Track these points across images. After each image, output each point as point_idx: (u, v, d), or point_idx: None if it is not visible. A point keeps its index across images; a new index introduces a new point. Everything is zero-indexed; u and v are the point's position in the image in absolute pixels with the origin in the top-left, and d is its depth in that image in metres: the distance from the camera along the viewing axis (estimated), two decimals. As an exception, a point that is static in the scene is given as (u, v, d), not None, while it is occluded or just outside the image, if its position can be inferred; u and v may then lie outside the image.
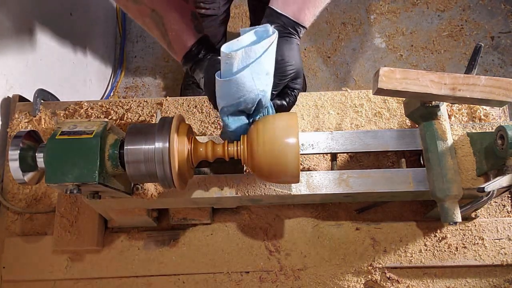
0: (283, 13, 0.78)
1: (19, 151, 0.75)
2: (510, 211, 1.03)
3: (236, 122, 0.77)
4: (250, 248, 1.01)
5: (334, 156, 0.96)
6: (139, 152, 0.75)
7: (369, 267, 0.99)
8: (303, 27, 0.80)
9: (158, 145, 0.74)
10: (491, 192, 0.84)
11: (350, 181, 0.90)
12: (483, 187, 0.81)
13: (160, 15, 0.82)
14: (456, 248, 0.99)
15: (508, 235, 0.99)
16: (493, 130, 0.91)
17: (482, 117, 1.06)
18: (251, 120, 0.79)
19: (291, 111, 0.83)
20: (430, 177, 0.88)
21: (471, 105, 1.08)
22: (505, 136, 0.81)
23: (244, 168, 0.93)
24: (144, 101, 1.14)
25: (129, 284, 1.00)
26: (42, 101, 1.16)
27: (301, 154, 0.86)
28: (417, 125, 0.95)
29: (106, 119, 1.12)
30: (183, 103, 1.14)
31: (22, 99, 1.18)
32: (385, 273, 0.99)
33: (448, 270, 1.00)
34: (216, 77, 0.71)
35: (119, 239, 1.02)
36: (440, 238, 0.99)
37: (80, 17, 1.73)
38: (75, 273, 1.00)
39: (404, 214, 1.05)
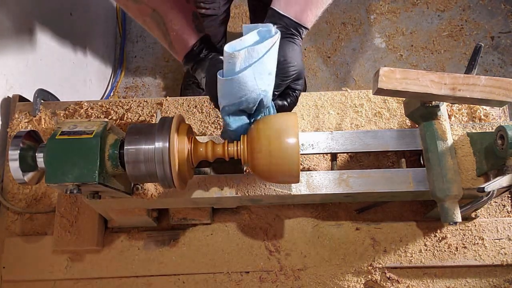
0: (285, 14, 0.78)
1: (19, 151, 0.75)
2: (510, 211, 1.03)
3: (237, 122, 0.77)
4: (250, 248, 1.01)
5: (334, 156, 0.96)
6: (139, 152, 0.75)
7: (369, 267, 0.99)
8: (305, 28, 0.80)
9: (158, 145, 0.74)
10: (491, 192, 0.84)
11: (350, 181, 0.90)
12: (483, 187, 0.81)
13: (161, 14, 0.82)
14: (456, 248, 0.99)
15: (508, 235, 0.99)
16: (493, 130, 0.91)
17: (482, 117, 1.06)
18: (252, 120, 0.79)
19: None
20: (430, 177, 0.88)
21: (471, 105, 1.08)
22: (505, 136, 0.81)
23: (244, 168, 0.93)
24: (144, 101, 1.14)
25: (129, 284, 1.00)
26: (42, 101, 1.16)
27: (301, 154, 0.86)
28: (417, 125, 0.95)
29: (106, 119, 1.12)
30: (183, 103, 1.14)
31: (22, 99, 1.18)
32: (385, 273, 0.99)
33: (448, 270, 1.00)
34: (218, 76, 0.71)
35: (119, 239, 1.02)
36: (440, 238, 0.99)
37: (80, 17, 1.73)
38: (75, 273, 1.00)
39: (404, 214, 1.05)
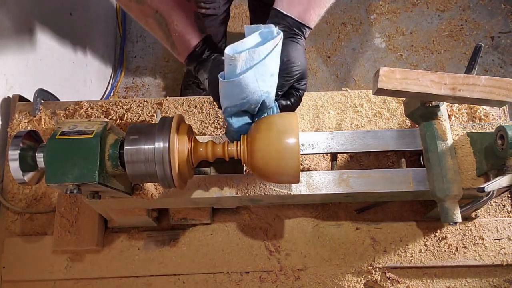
0: (288, 14, 0.77)
1: (19, 151, 0.75)
2: (510, 211, 1.03)
3: (239, 122, 0.77)
4: (250, 248, 1.01)
5: (334, 156, 0.96)
6: (139, 152, 0.75)
7: (369, 267, 0.99)
8: (308, 27, 0.80)
9: (158, 145, 0.74)
10: (491, 192, 0.84)
11: (350, 181, 0.90)
12: (483, 187, 0.81)
13: (163, 15, 0.82)
14: (456, 248, 0.99)
15: (508, 235, 0.99)
16: (493, 130, 0.91)
17: (482, 117, 1.06)
18: (255, 120, 0.79)
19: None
20: (430, 177, 0.88)
21: (471, 105, 1.08)
22: (505, 136, 0.81)
23: (244, 168, 0.93)
24: (144, 101, 1.14)
25: (129, 284, 1.00)
26: (42, 101, 1.16)
27: (301, 154, 0.86)
28: (417, 125, 0.95)
29: (106, 119, 1.12)
30: (183, 103, 1.14)
31: (22, 99, 1.18)
32: (385, 273, 0.99)
33: (448, 270, 1.00)
34: (220, 78, 0.71)
35: (119, 239, 1.02)
36: (440, 238, 0.99)
37: (80, 17, 1.73)
38: (75, 273, 1.00)
39: (404, 214, 1.04)
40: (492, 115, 1.07)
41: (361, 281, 0.99)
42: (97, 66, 1.93)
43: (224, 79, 0.70)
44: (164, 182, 0.76)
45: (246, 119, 0.78)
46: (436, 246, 0.99)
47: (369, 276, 0.99)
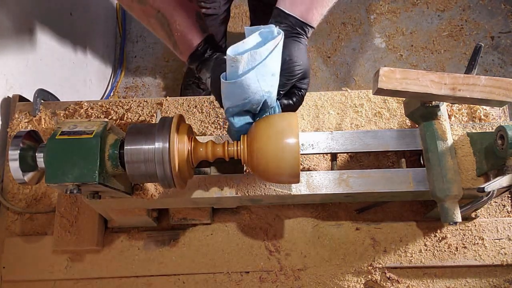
0: (290, 14, 0.77)
1: (19, 151, 0.75)
2: (510, 211, 1.03)
3: (241, 122, 0.77)
4: (250, 248, 1.01)
5: (334, 156, 0.96)
6: (139, 152, 0.75)
7: (369, 267, 0.99)
8: (311, 27, 0.79)
9: (158, 145, 0.74)
10: (491, 192, 0.84)
11: (350, 181, 0.90)
12: (483, 187, 0.81)
13: (165, 15, 0.82)
14: (456, 248, 0.99)
15: (508, 235, 0.99)
16: (493, 130, 0.91)
17: (482, 117, 1.06)
18: (256, 120, 0.79)
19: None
20: (430, 177, 0.88)
21: (471, 105, 1.08)
22: (505, 136, 0.81)
23: (244, 168, 0.93)
24: (144, 101, 1.14)
25: (129, 284, 1.00)
26: (42, 101, 1.16)
27: (301, 154, 0.86)
28: (417, 125, 0.95)
29: (106, 119, 1.12)
30: (183, 103, 1.14)
31: (22, 99, 1.18)
32: (385, 273, 0.99)
33: (448, 270, 1.00)
34: (222, 78, 0.71)
35: (119, 239, 1.02)
36: (440, 238, 0.99)
37: (80, 17, 1.73)
38: (75, 273, 1.00)
39: (404, 214, 1.04)
40: (492, 115, 1.07)
41: (361, 281, 0.99)
42: (97, 66, 1.93)
43: (226, 79, 0.71)
44: (164, 182, 0.76)
45: (248, 119, 0.78)
46: (436, 246, 0.99)
47: (369, 276, 0.99)
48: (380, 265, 0.99)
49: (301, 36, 0.79)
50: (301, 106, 1.10)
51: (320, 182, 0.90)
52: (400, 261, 0.99)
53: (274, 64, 0.72)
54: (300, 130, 1.09)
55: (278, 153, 0.73)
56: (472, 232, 0.99)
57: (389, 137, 0.94)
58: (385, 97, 1.10)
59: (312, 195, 0.90)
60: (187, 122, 0.86)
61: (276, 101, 0.78)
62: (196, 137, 0.84)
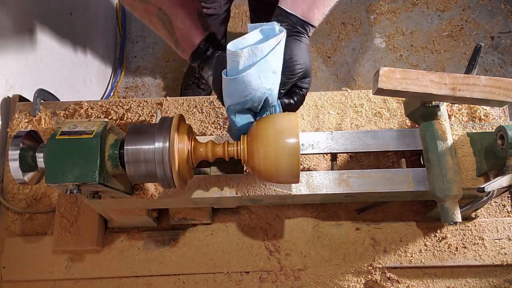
0: (292, 12, 0.78)
1: (19, 151, 0.75)
2: (510, 211, 1.03)
3: (242, 120, 0.77)
4: (250, 248, 1.01)
5: (334, 156, 0.96)
6: (139, 152, 0.75)
7: (369, 267, 0.99)
8: (312, 26, 0.79)
9: (158, 145, 0.74)
10: (491, 192, 0.84)
11: (350, 181, 0.90)
12: (483, 187, 0.81)
13: (167, 14, 0.83)
14: (456, 248, 0.99)
15: (508, 235, 0.99)
16: (493, 130, 0.91)
17: (482, 117, 1.06)
18: (258, 118, 0.79)
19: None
20: (430, 177, 0.88)
21: (471, 105, 1.08)
22: (505, 136, 0.81)
23: (244, 168, 0.93)
24: (144, 101, 1.14)
25: (129, 284, 1.00)
26: (42, 101, 1.16)
27: (301, 154, 0.86)
28: (417, 125, 0.95)
29: (106, 119, 1.12)
30: (183, 103, 1.14)
31: (22, 99, 1.18)
32: (385, 273, 0.99)
33: (448, 270, 1.00)
34: (223, 75, 0.71)
35: (119, 239, 1.02)
36: (440, 238, 0.99)
37: (80, 16, 1.73)
38: (75, 273, 1.00)
39: (404, 214, 1.05)
40: (492, 115, 1.07)
41: (361, 281, 0.99)
42: (97, 66, 1.93)
43: (227, 76, 0.70)
44: (164, 182, 0.76)
45: (249, 118, 0.78)
46: (436, 246, 0.99)
47: (369, 276, 0.99)
48: (380, 265, 0.99)
49: (302, 35, 0.79)
50: (301, 106, 1.11)
51: (320, 182, 0.90)
52: (400, 261, 0.99)
53: (276, 62, 0.72)
54: (300, 130, 1.09)
55: (278, 153, 0.73)
56: (472, 232, 0.99)
57: (389, 137, 0.94)
58: (385, 97, 1.10)
59: (312, 195, 0.90)
60: (187, 122, 0.86)
61: (277, 100, 0.78)
62: (196, 137, 0.84)
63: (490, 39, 2.15)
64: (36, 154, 0.77)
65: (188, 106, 1.13)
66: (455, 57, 2.12)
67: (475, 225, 1.00)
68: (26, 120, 1.12)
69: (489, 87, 0.81)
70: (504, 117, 1.08)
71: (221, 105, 1.12)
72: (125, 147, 0.75)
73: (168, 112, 1.12)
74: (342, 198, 0.94)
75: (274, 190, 0.89)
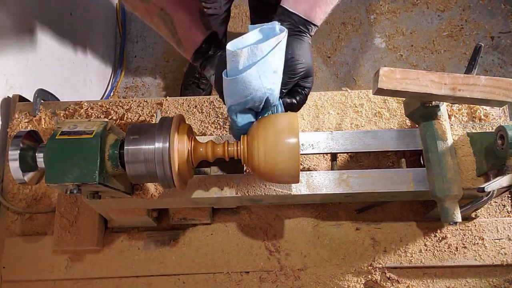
0: (294, 12, 0.77)
1: (19, 151, 0.75)
2: (510, 211, 1.03)
3: (244, 120, 0.77)
4: (250, 248, 1.01)
5: (334, 156, 0.96)
6: (139, 152, 0.75)
7: (369, 267, 0.99)
8: (314, 25, 0.79)
9: (158, 145, 0.74)
10: (491, 192, 0.84)
11: (350, 181, 0.90)
12: (483, 187, 0.81)
13: (169, 13, 0.83)
14: (456, 248, 0.99)
15: (508, 235, 0.99)
16: (493, 130, 0.91)
17: (482, 117, 1.06)
18: (259, 118, 0.79)
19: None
20: (430, 177, 0.88)
21: (471, 105, 1.08)
22: (505, 136, 0.81)
23: (244, 168, 0.93)
24: (144, 101, 1.14)
25: (129, 284, 1.00)
26: (42, 101, 1.16)
27: (301, 154, 0.86)
28: (417, 125, 0.95)
29: (106, 119, 1.12)
30: (183, 103, 1.14)
31: (22, 99, 1.18)
32: (385, 273, 0.99)
33: (448, 270, 1.00)
34: (223, 75, 0.71)
35: (119, 239, 1.02)
36: (440, 238, 0.99)
37: (80, 16, 1.73)
38: (75, 273, 1.00)
39: (404, 214, 1.05)
40: (492, 115, 1.07)
41: (361, 281, 0.99)
42: (97, 66, 1.93)
43: (227, 76, 0.70)
44: (164, 182, 0.76)
45: (250, 117, 0.77)
46: (436, 246, 0.99)
47: (369, 276, 0.99)
48: (380, 265, 0.99)
49: (304, 34, 0.79)
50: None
51: (320, 182, 0.90)
52: (400, 261, 0.99)
53: (277, 61, 0.71)
54: (300, 130, 1.09)
55: (278, 153, 0.73)
56: (472, 232, 0.99)
57: (389, 137, 0.94)
58: (385, 97, 1.10)
59: (312, 195, 0.90)
60: (187, 122, 0.86)
61: (279, 100, 0.78)
62: (196, 137, 0.84)
63: (490, 39, 2.15)
64: (36, 154, 0.77)
65: (188, 106, 1.13)
66: (455, 57, 2.12)
67: (475, 225, 1.00)
68: (26, 120, 1.12)
69: (489, 87, 0.81)
70: (504, 117, 1.08)
71: (221, 105, 1.12)
72: (125, 147, 0.75)
73: (168, 112, 1.12)
74: (342, 198, 0.94)
75: (274, 190, 0.89)
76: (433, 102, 0.88)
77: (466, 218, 1.00)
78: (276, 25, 0.70)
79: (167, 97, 1.14)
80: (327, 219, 1.03)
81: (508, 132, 0.80)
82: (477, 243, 0.98)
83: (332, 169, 0.95)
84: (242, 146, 0.77)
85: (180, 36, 0.84)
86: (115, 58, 2.16)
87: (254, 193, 0.89)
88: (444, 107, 0.91)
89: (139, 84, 2.14)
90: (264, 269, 1.00)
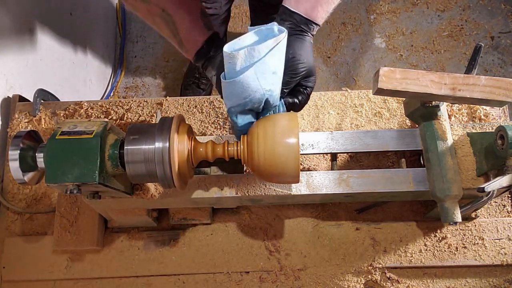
0: (295, 11, 0.77)
1: (19, 151, 0.75)
2: (510, 211, 1.03)
3: (244, 121, 0.77)
4: (250, 248, 1.01)
5: (334, 156, 0.96)
6: (139, 152, 0.75)
7: (369, 267, 0.99)
8: (316, 24, 0.79)
9: (158, 145, 0.74)
10: (491, 192, 0.84)
11: (350, 181, 0.90)
12: (483, 187, 0.81)
13: (170, 14, 0.83)
14: (456, 248, 0.99)
15: (508, 235, 0.99)
16: (493, 130, 0.91)
17: (482, 117, 1.06)
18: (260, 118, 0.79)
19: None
20: (430, 177, 0.88)
21: (471, 105, 1.08)
22: (505, 136, 0.81)
23: (244, 168, 0.93)
24: (144, 101, 1.14)
25: (129, 284, 1.00)
26: (42, 101, 1.16)
27: (301, 154, 0.86)
28: (417, 125, 0.95)
29: (106, 119, 1.12)
30: (183, 103, 1.14)
31: (22, 99, 1.18)
32: (385, 273, 0.99)
33: (448, 270, 1.00)
34: (221, 78, 0.70)
35: (119, 239, 1.02)
36: (440, 238, 0.99)
37: (80, 16, 1.73)
38: (75, 273, 1.00)
39: (404, 214, 1.05)
40: (492, 115, 1.07)
41: (361, 281, 0.99)
42: (97, 66, 1.93)
43: (225, 78, 0.70)
44: (164, 182, 0.76)
45: (250, 118, 0.77)
46: (436, 246, 0.99)
47: (369, 276, 0.99)
48: (380, 265, 0.99)
49: (305, 34, 0.78)
50: (303, 106, 1.10)
51: (320, 182, 0.90)
52: (400, 261, 0.99)
53: (276, 62, 0.71)
54: (300, 130, 1.09)
55: (278, 153, 0.73)
56: (472, 232, 0.99)
57: (389, 137, 0.94)
58: (385, 97, 1.10)
59: (312, 195, 0.90)
60: (187, 122, 0.86)
61: (281, 100, 0.78)
62: (196, 137, 0.84)
63: (490, 39, 2.15)
64: (36, 154, 0.77)
65: (188, 106, 1.13)
66: (455, 57, 2.12)
67: (475, 225, 1.00)
68: (26, 120, 1.12)
69: (489, 87, 0.81)
70: (504, 117, 1.08)
71: (221, 105, 1.12)
72: (125, 147, 0.75)
73: (168, 112, 1.12)
74: (342, 198, 0.94)
75: (274, 190, 0.89)
76: (433, 102, 0.88)
77: (466, 218, 1.00)
78: (275, 26, 0.70)
79: (167, 97, 1.14)
80: (327, 219, 1.03)
81: (508, 132, 0.80)
82: (477, 243, 0.98)
83: (332, 169, 0.95)
84: (242, 146, 0.77)
85: (181, 37, 0.85)
86: (115, 58, 2.16)
87: (254, 193, 0.89)
88: (444, 107, 0.91)
89: (139, 84, 2.14)
90: (264, 269, 1.00)
